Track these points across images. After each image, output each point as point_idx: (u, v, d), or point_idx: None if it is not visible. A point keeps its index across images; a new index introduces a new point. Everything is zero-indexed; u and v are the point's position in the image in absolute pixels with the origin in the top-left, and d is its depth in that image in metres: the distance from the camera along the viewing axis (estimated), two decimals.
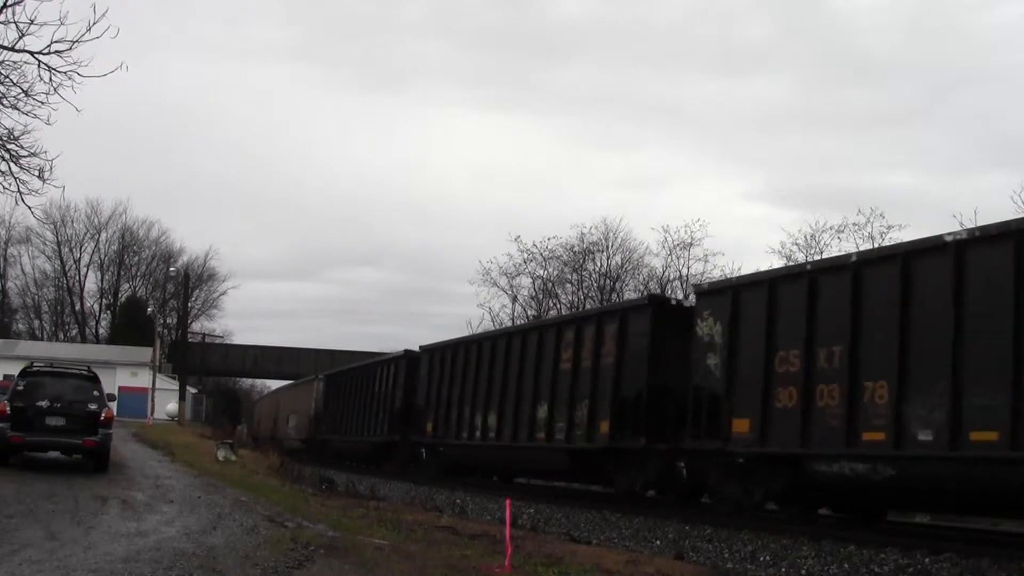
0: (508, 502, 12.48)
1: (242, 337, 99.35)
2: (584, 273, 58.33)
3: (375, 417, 33.13)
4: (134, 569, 8.88)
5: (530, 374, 22.38)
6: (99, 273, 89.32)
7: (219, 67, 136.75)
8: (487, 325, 55.39)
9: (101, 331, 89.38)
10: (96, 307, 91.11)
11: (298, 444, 44.81)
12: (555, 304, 57.75)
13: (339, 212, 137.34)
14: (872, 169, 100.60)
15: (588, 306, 53.02)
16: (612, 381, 19.16)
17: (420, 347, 30.58)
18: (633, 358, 18.82)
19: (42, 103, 15.06)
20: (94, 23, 13.90)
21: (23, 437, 19.32)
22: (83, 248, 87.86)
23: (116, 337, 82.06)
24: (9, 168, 15.86)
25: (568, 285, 58.85)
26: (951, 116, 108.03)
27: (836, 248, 42.77)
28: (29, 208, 17.44)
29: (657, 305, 19.24)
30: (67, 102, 14.92)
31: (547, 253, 57.61)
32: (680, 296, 42.05)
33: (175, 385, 63.44)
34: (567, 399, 20.57)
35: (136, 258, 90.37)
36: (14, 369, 38.49)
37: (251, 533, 11.78)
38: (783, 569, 12.08)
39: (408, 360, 31.02)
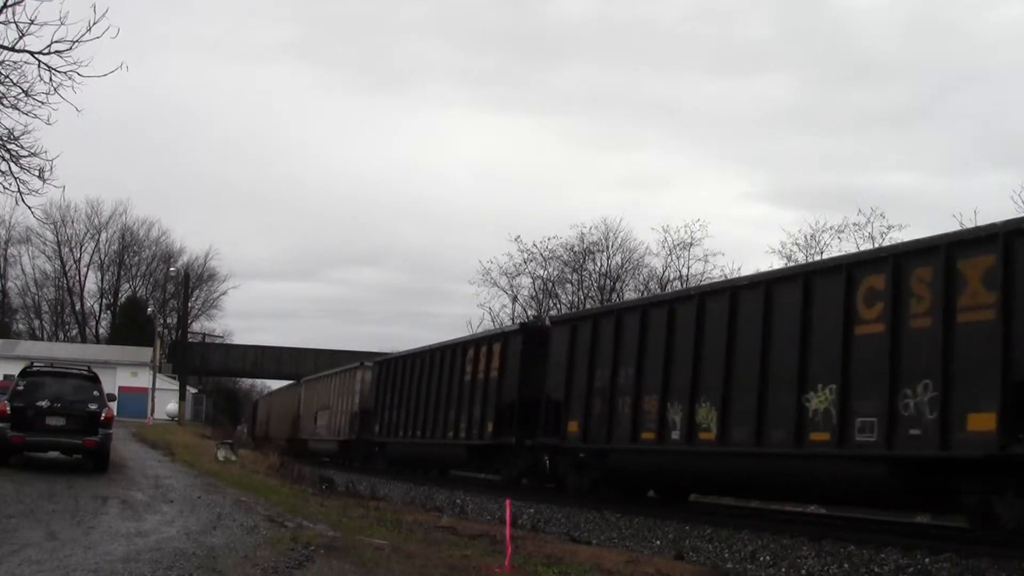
0: (508, 502, 12.48)
1: (242, 337, 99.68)
2: (584, 273, 58.47)
3: (467, 413, 25.29)
4: (134, 569, 8.88)
5: (786, 345, 15.17)
6: (99, 273, 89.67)
7: (219, 67, 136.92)
8: (487, 325, 55.45)
9: (101, 331, 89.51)
10: (96, 307, 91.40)
11: (333, 447, 38.45)
12: (555, 304, 57.84)
13: (339, 212, 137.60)
14: (872, 169, 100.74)
15: (588, 306, 52.95)
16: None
17: (551, 318, 24.60)
18: None
19: (42, 103, 15.09)
20: (94, 23, 13.92)
21: (23, 437, 19.35)
22: (83, 248, 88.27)
23: (116, 337, 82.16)
24: (9, 168, 15.90)
25: (568, 285, 59.01)
26: (951, 116, 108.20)
27: (836, 248, 42.83)
28: (29, 208, 17.48)
29: None
30: (67, 102, 14.93)
31: (547, 253, 57.79)
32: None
33: (175, 385, 63.49)
34: (882, 379, 13.37)
35: (136, 258, 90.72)
36: (14, 369, 38.52)
37: (251, 533, 11.78)
38: (783, 569, 12.08)
39: (527, 336, 23.65)
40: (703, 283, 20.77)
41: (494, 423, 23.77)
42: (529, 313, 56.95)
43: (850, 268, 14.40)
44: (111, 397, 21.47)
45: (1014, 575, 10.81)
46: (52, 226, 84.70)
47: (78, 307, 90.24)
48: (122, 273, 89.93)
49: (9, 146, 15.79)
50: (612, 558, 11.51)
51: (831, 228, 48.56)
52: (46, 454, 20.89)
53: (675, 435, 17.41)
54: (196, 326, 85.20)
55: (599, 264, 58.25)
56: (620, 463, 19.71)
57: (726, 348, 16.45)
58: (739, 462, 16.37)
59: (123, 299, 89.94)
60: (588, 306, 52.78)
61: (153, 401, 59.06)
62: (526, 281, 58.94)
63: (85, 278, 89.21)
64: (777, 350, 15.44)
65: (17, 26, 14.34)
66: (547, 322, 25.76)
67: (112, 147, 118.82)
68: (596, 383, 19.82)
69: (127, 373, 68.69)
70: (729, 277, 38.21)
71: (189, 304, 75.32)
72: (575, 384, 20.58)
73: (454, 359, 26.96)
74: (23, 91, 15.12)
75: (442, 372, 27.55)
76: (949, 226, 26.60)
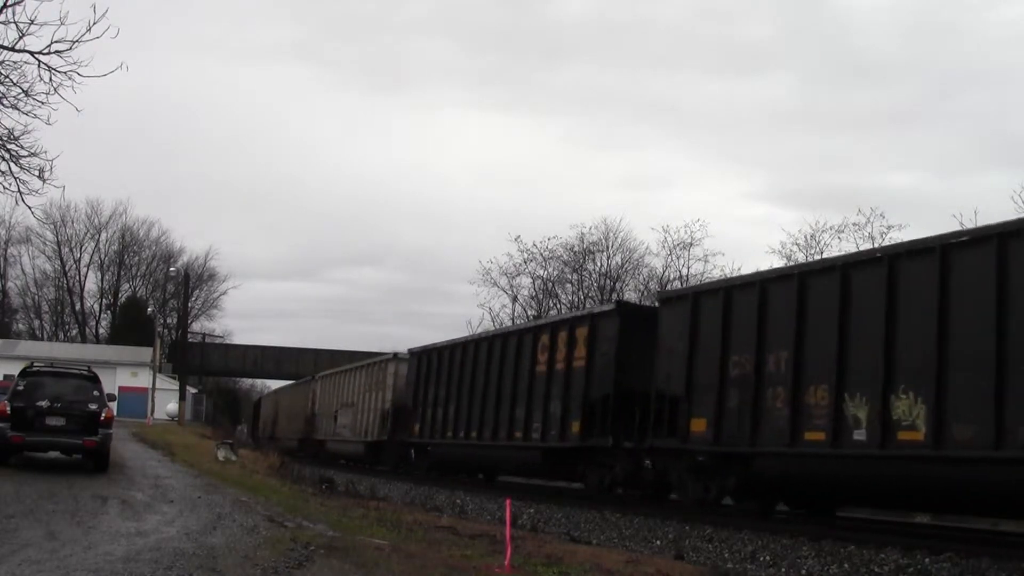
0: (508, 502, 12.47)
1: (242, 337, 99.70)
2: (584, 273, 58.49)
3: (542, 411, 21.78)
4: (134, 569, 8.88)
5: None
6: (99, 273, 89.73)
7: (219, 67, 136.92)
8: (487, 325, 55.45)
9: (101, 331, 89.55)
10: (96, 307, 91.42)
11: (358, 449, 34.83)
12: (555, 304, 57.85)
13: (340, 212, 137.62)
14: (872, 169, 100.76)
15: (588, 306, 52.92)
16: None
17: (659, 294, 20.28)
18: None
19: (42, 103, 15.04)
20: (94, 23, 13.88)
21: (23, 437, 19.35)
22: (83, 248, 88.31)
23: (116, 337, 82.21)
24: (9, 168, 15.87)
25: (568, 285, 59.03)
26: (951, 116, 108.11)
27: (836, 248, 42.83)
28: (29, 208, 17.48)
29: None
30: (67, 102, 14.91)
31: (547, 253, 57.81)
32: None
33: (175, 385, 63.51)
34: None
35: (136, 258, 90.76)
36: (14, 369, 38.52)
37: (251, 533, 11.78)
38: (783, 569, 12.09)
39: (624, 316, 19.98)
40: (892, 244, 18.08)
41: (582, 422, 20.20)
42: (529, 313, 56.96)
43: None
44: (111, 397, 21.46)
45: (1014, 575, 10.82)
46: (52, 226, 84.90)
47: (78, 307, 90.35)
48: (122, 273, 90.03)
49: (9, 146, 15.78)
50: (612, 558, 11.51)
51: (831, 228, 48.64)
52: (46, 454, 20.88)
53: (858, 435, 13.98)
54: (196, 326, 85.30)
55: (599, 264, 58.33)
56: (770, 470, 15.97)
57: (938, 322, 13.03)
58: (964, 470, 12.72)
59: (123, 299, 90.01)
60: (588, 306, 52.66)
61: (153, 401, 59.04)
62: (526, 281, 59.03)
63: (85, 278, 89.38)
64: (1021, 324, 12.04)
65: (17, 26, 14.32)
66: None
67: (112, 147, 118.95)
68: (731, 371, 16.47)
69: (127, 373, 68.69)
70: (728, 276, 38.10)
71: (189, 304, 75.33)
72: (699, 373, 17.22)
73: (521, 347, 23.38)
74: (23, 91, 15.09)
75: (504, 362, 23.96)
76: (950, 226, 26.25)
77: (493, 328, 46.36)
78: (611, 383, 19.51)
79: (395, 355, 32.36)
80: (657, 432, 18.03)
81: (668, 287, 50.68)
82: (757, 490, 16.83)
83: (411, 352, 30.72)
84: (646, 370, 18.59)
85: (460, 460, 27.25)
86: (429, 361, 28.87)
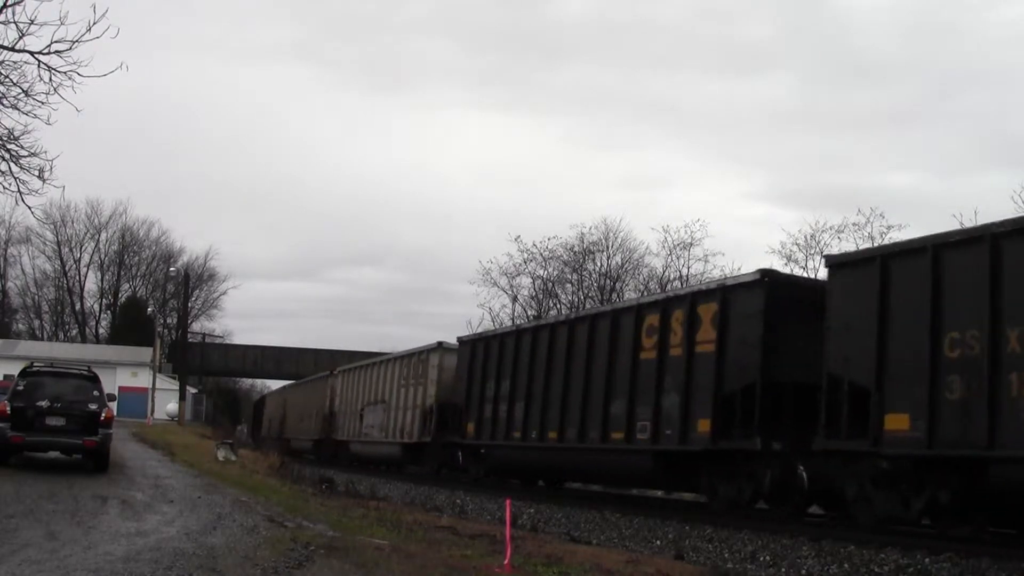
0: (508, 502, 12.47)
1: (242, 337, 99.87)
2: (584, 273, 58.49)
3: (651, 407, 17.95)
4: (134, 569, 8.88)
5: None
6: (99, 273, 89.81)
7: (219, 67, 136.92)
8: (487, 325, 55.42)
9: (101, 331, 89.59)
10: (96, 307, 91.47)
11: (393, 451, 31.24)
12: (555, 304, 57.86)
13: (340, 212, 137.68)
14: (872, 169, 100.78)
15: (588, 306, 52.86)
16: None
17: (828, 258, 15.58)
18: None
19: (42, 103, 15.08)
20: (94, 23, 13.92)
21: (23, 437, 19.36)
22: (83, 248, 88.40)
23: (116, 337, 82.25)
24: (9, 168, 15.90)
25: (568, 285, 59.04)
26: (951, 116, 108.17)
27: (836, 248, 42.82)
28: (29, 208, 17.54)
29: None
30: (67, 102, 14.93)
31: (547, 253, 57.82)
32: None
33: (175, 385, 63.52)
34: None
35: (136, 258, 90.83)
36: (14, 369, 38.52)
37: (251, 533, 11.78)
38: (783, 569, 12.08)
39: (770, 289, 16.13)
40: None
41: (712, 419, 16.50)
42: (529, 313, 56.94)
43: None
44: (111, 397, 21.47)
45: (1014, 575, 10.82)
46: (52, 226, 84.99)
47: (78, 307, 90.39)
48: (122, 273, 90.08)
49: (9, 146, 15.80)
50: (612, 558, 11.51)
51: (831, 228, 48.65)
52: (46, 454, 20.89)
53: None
54: (196, 326, 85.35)
55: (599, 264, 58.35)
56: (1018, 479, 12.22)
57: None
58: None
59: (123, 299, 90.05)
60: (588, 306, 52.54)
61: (153, 401, 59.05)
62: (526, 281, 59.03)
63: (85, 278, 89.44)
64: None
65: (17, 26, 14.35)
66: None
67: (112, 147, 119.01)
68: (948, 352, 12.85)
69: (127, 373, 68.72)
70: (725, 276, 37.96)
71: (189, 304, 75.33)
72: (895, 356, 13.61)
73: (618, 330, 19.46)
74: (23, 91, 15.13)
75: (594, 349, 20.12)
76: (949, 226, 26.28)
77: (494, 327, 46.21)
78: (756, 371, 15.79)
79: (440, 344, 28.39)
80: (831, 431, 14.37)
81: (668, 287, 50.49)
82: (989, 505, 13.10)
83: (461, 341, 26.71)
84: (801, 354, 15.14)
85: (529, 465, 23.62)
86: (487, 350, 24.69)
